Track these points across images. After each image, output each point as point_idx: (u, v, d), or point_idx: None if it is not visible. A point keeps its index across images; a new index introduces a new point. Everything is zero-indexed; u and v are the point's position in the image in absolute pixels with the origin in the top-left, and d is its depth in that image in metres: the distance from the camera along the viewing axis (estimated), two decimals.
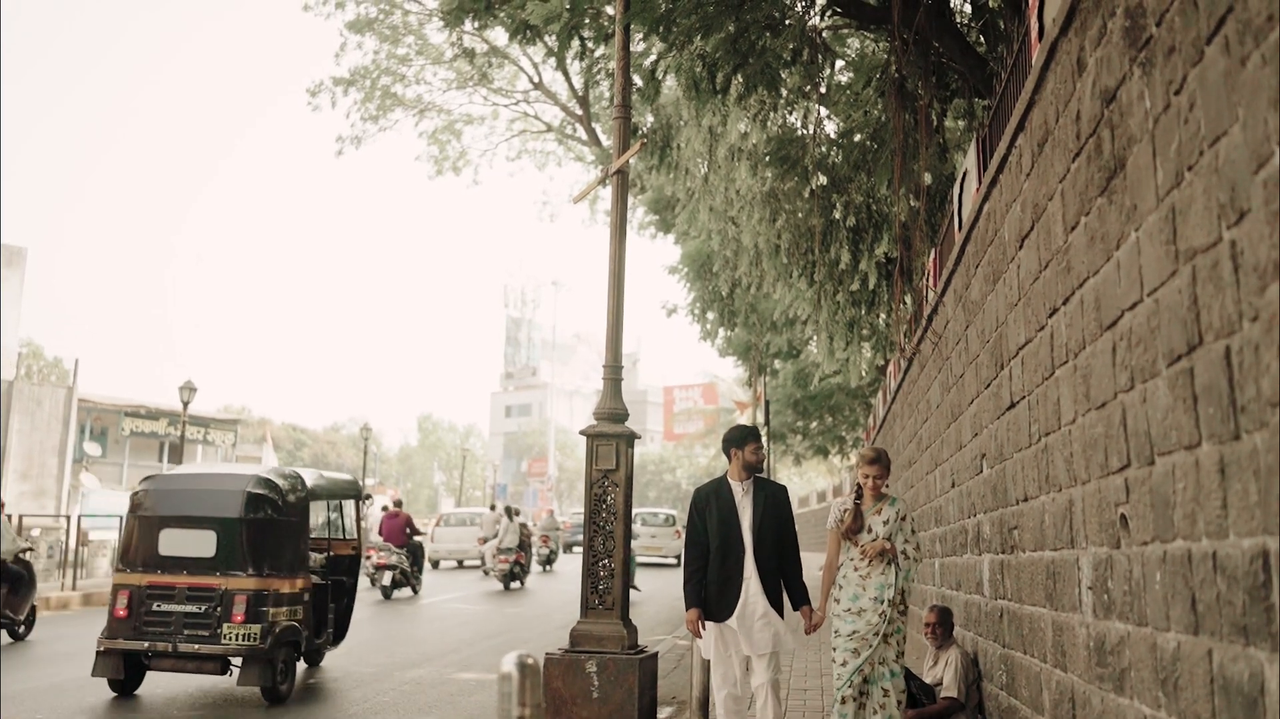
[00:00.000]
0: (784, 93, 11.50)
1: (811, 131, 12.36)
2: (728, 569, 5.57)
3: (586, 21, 9.96)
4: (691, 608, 5.67)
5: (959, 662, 6.28)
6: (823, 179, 12.54)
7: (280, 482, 9.19)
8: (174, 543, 8.77)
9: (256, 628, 8.41)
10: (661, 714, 7.45)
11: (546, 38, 11.52)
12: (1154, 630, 2.92)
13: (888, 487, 5.79)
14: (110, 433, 40.38)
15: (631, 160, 9.64)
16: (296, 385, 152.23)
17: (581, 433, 7.36)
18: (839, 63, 12.59)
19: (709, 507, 5.71)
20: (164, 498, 9.17)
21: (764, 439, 24.00)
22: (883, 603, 5.47)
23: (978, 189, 6.09)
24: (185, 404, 23.75)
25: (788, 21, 9.91)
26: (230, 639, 8.35)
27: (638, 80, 10.63)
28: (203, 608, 8.48)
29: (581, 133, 26.97)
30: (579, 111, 25.91)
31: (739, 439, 5.83)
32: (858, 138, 12.46)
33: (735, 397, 44.80)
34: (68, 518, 22.54)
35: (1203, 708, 2.52)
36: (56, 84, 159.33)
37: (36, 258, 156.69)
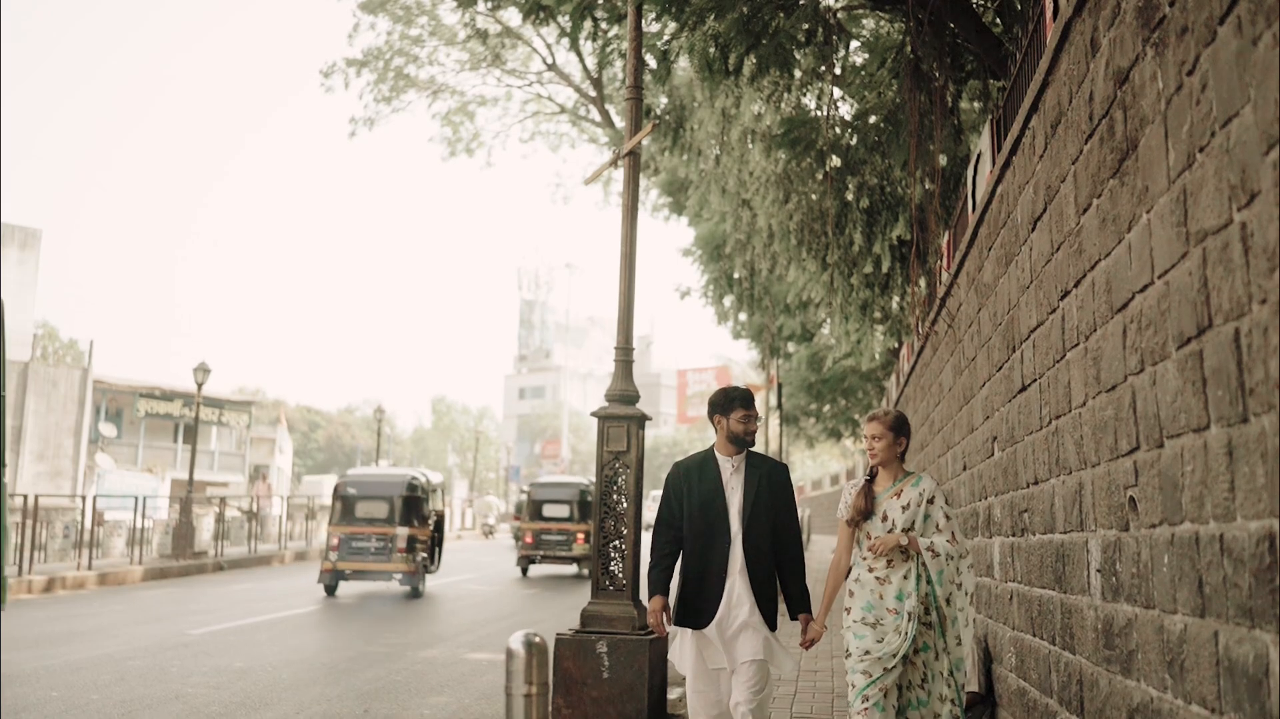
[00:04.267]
0: (797, 74, 11.44)
1: (825, 113, 12.29)
2: (708, 564, 4.47)
3: (599, 1, 9.92)
4: (656, 595, 4.59)
5: (974, 653, 6.27)
6: (836, 161, 12.47)
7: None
8: (551, 510, 20.56)
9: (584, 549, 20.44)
10: (672, 695, 7.48)
11: (559, 18, 11.49)
12: (1161, 613, 2.92)
13: (904, 460, 4.71)
14: (125, 414, 40.65)
15: (644, 142, 9.62)
16: (311, 367, 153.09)
17: (593, 414, 7.38)
18: (853, 43, 12.51)
19: (687, 485, 4.60)
20: (542, 491, 21.21)
21: (763, 408, 24.78)
22: (902, 616, 4.40)
23: (991, 171, 6.06)
24: (199, 386, 23.85)
25: (801, 2, 9.85)
26: (578, 550, 20.30)
27: (651, 61, 10.59)
28: (563, 537, 20.16)
29: (595, 114, 26.89)
30: (592, 93, 25.84)
31: (723, 403, 4.64)
32: (872, 119, 12.38)
33: (748, 380, 44.80)
34: (83, 498, 22.72)
35: (1208, 690, 2.52)
36: (76, 68, 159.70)
37: (51, 240, 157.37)
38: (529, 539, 20.52)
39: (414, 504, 16.91)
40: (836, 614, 8.88)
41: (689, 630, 4.50)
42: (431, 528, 17.53)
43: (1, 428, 4.98)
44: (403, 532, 16.36)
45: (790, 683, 7.72)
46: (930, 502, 4.50)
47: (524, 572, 21.15)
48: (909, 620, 4.34)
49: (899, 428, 4.62)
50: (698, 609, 4.45)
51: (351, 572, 16.36)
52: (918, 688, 4.40)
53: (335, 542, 16.46)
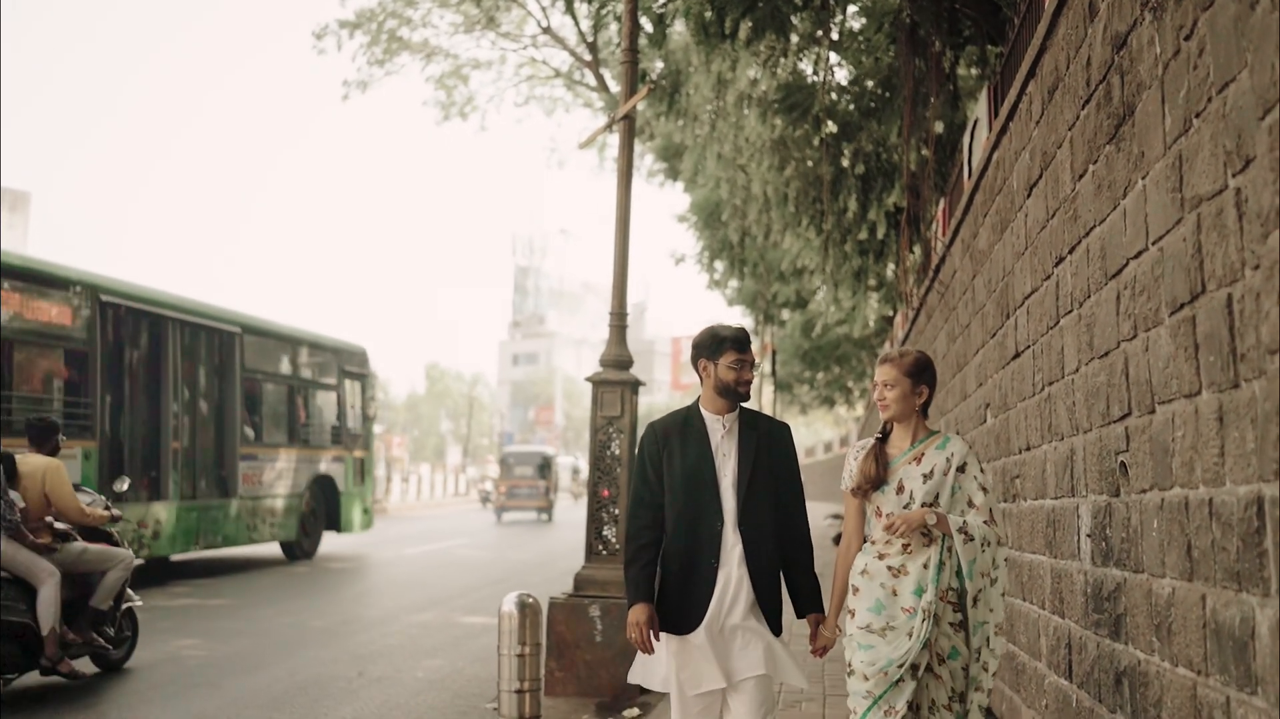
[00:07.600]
0: (794, 38, 11.36)
1: (821, 78, 12.22)
2: (695, 553, 3.49)
3: None
4: (638, 602, 3.50)
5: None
6: (832, 127, 12.41)
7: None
8: None
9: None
10: None
11: None
12: (1150, 577, 2.94)
13: (925, 415, 3.56)
14: None
15: (640, 106, 9.56)
16: None
17: (587, 380, 7.38)
18: (850, 8, 12.41)
19: (667, 452, 3.58)
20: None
21: (758, 375, 25.86)
22: (918, 614, 3.29)
23: (988, 137, 6.04)
24: None
25: None
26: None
27: (646, 24, 10.52)
28: None
29: (590, 78, 26.66)
30: (587, 57, 25.60)
31: (710, 345, 3.58)
32: (868, 85, 12.32)
33: None
34: None
35: (1195, 652, 2.55)
36: (74, 38, 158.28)
37: (41, 202, 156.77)
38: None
39: (546, 467, 30.51)
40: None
41: (669, 638, 3.48)
42: (554, 482, 30.51)
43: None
44: (541, 483, 29.96)
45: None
46: (961, 469, 3.43)
47: None
48: (925, 620, 3.26)
49: (918, 373, 3.50)
50: (683, 609, 3.47)
51: (512, 507, 29.86)
52: (943, 709, 3.32)
53: (503, 488, 30.17)
